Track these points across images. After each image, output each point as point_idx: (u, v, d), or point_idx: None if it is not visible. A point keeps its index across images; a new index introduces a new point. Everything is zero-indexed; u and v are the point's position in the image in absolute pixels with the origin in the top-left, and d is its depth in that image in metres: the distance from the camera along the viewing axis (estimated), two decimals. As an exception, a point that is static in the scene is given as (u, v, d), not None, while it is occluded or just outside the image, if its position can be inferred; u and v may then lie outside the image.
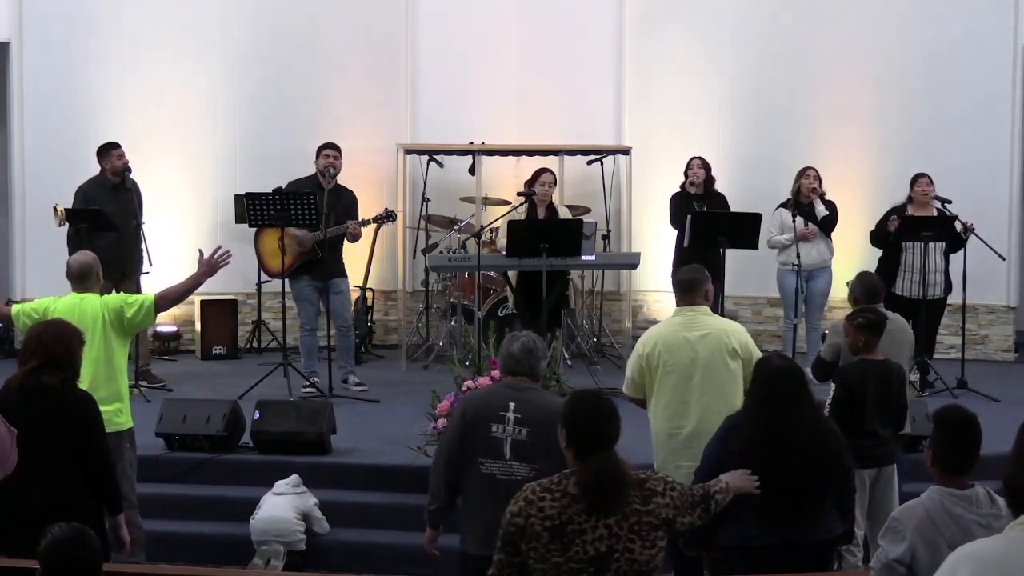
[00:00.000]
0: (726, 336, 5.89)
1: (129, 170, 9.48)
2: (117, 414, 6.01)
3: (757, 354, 5.91)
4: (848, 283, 7.07)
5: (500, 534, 3.94)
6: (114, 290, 9.19)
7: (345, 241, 9.42)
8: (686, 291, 6.04)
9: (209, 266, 6.33)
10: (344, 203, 9.30)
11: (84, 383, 5.69)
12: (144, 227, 9.33)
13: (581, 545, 3.82)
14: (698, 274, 6.09)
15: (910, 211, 9.60)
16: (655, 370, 5.87)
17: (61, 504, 4.88)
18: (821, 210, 9.71)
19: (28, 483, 4.91)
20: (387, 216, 9.55)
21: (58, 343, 5.14)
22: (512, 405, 5.00)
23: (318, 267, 9.17)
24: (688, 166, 10.14)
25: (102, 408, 5.46)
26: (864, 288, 6.83)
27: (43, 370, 5.09)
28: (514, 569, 3.90)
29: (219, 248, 6.41)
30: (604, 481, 3.87)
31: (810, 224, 9.72)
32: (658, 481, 4.03)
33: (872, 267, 9.77)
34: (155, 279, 9.00)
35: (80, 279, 6.22)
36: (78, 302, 6.10)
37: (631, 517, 3.87)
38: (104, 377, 5.99)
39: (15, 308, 6.26)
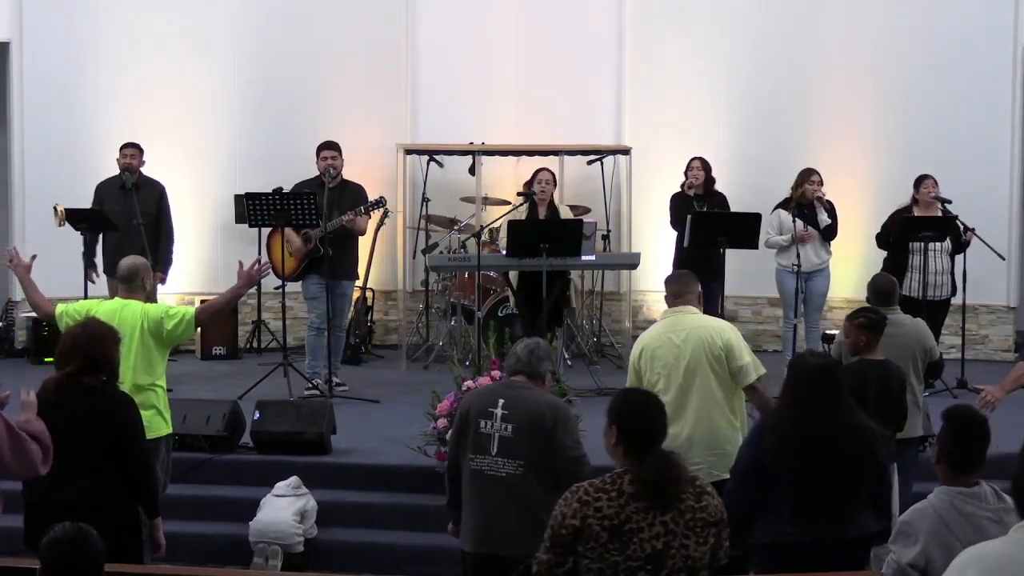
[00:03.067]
0: (709, 335, 5.90)
1: (131, 170, 9.49)
2: (153, 420, 6.03)
3: (742, 348, 5.94)
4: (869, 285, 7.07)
5: (549, 535, 3.92)
6: None
7: (356, 238, 9.45)
8: (673, 291, 6.09)
9: (249, 277, 6.31)
10: (350, 198, 9.29)
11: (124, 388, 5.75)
12: (144, 227, 9.36)
13: (639, 543, 3.83)
14: (687, 276, 6.18)
15: (915, 212, 9.59)
16: (644, 375, 5.89)
17: (96, 505, 4.89)
18: (824, 219, 9.67)
19: (64, 483, 4.94)
20: (378, 203, 9.50)
21: (94, 344, 5.14)
22: (501, 402, 5.04)
23: (325, 265, 9.14)
24: (688, 167, 10.08)
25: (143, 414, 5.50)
26: (874, 290, 6.84)
27: (83, 373, 5.08)
28: (563, 570, 3.89)
29: (259, 259, 6.40)
30: (667, 477, 3.88)
31: (809, 227, 9.70)
32: (706, 483, 4.05)
33: (873, 268, 9.77)
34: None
35: (126, 280, 6.22)
36: (119, 308, 6.09)
37: (686, 514, 3.88)
38: (144, 383, 6.00)
39: (59, 308, 6.22)
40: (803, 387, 4.98)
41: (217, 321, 9.97)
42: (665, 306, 6.22)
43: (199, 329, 10.70)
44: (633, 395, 4.18)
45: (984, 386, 5.99)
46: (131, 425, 5.17)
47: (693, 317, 6.02)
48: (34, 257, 6.58)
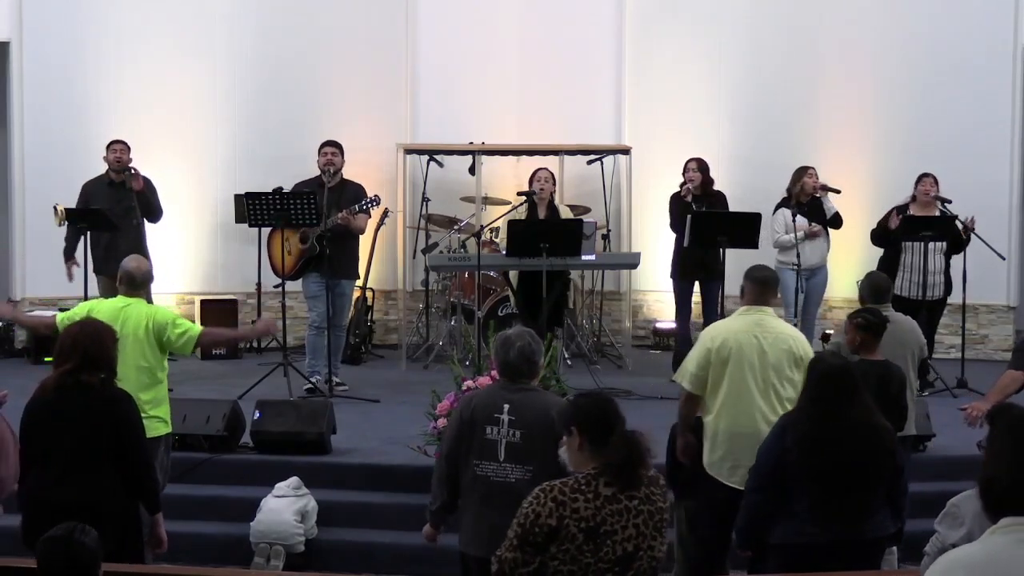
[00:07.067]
0: (794, 343, 5.87)
1: (126, 169, 9.47)
2: (157, 420, 6.04)
3: None
4: (858, 282, 7.08)
5: (517, 533, 3.87)
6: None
7: (356, 237, 9.43)
8: (760, 291, 5.97)
9: (265, 329, 6.52)
10: (349, 197, 9.26)
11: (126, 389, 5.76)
12: (141, 225, 9.36)
13: (612, 545, 3.81)
14: (773, 274, 6.12)
15: (912, 211, 9.59)
16: (722, 365, 5.80)
17: (96, 503, 4.89)
18: (831, 207, 9.69)
19: (64, 482, 4.94)
20: (372, 201, 9.45)
21: (93, 343, 5.13)
22: (506, 407, 4.97)
23: (324, 264, 9.13)
24: (684, 169, 9.86)
25: (143, 414, 5.51)
26: (870, 288, 6.84)
27: (81, 371, 5.07)
28: (529, 569, 3.84)
29: (276, 321, 6.41)
30: (634, 454, 3.87)
31: (813, 224, 9.71)
32: (659, 478, 4.04)
33: (871, 266, 9.78)
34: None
35: (136, 284, 6.19)
36: (122, 307, 6.07)
37: (655, 516, 3.88)
38: (145, 384, 6.00)
39: (60, 317, 6.20)
40: (822, 387, 4.98)
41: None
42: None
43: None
44: (585, 396, 4.22)
45: (969, 405, 6.00)
46: (130, 422, 5.15)
47: (776, 321, 5.98)
48: (10, 300, 6.55)
